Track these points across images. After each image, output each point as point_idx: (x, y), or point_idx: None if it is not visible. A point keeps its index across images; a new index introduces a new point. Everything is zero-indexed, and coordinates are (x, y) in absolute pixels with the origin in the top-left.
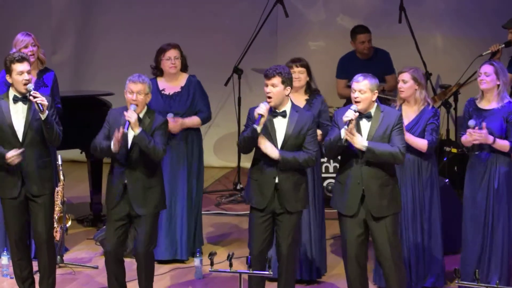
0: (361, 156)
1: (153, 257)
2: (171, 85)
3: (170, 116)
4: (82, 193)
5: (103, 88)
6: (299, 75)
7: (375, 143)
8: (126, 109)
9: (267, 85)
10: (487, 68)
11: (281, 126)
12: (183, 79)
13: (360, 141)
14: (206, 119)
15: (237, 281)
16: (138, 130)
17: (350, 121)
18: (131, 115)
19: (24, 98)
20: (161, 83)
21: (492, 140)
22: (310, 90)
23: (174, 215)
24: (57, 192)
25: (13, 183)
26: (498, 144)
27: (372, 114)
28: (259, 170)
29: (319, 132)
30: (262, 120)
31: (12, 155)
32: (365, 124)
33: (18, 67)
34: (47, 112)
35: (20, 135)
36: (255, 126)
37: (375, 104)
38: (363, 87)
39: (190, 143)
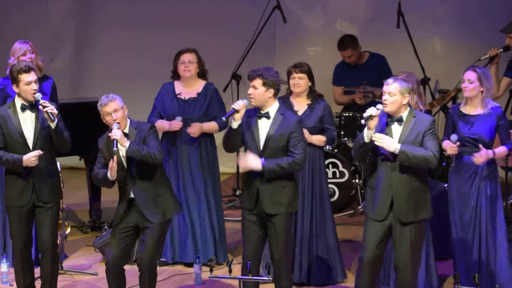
0: (393, 159)
1: (156, 267)
2: (187, 90)
3: (178, 119)
4: (81, 200)
5: (102, 93)
6: (298, 80)
7: (408, 145)
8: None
9: (249, 87)
10: (470, 75)
11: (264, 127)
12: (200, 85)
13: (391, 144)
14: (223, 126)
15: (236, 287)
16: (127, 143)
17: (370, 116)
18: (116, 133)
19: (31, 106)
20: (178, 87)
21: (492, 154)
22: (313, 95)
23: (192, 220)
24: None
25: (23, 191)
26: (498, 154)
27: (404, 118)
28: (248, 173)
29: (321, 138)
30: (237, 116)
31: (30, 156)
32: (396, 128)
33: (25, 77)
34: (56, 120)
35: (30, 144)
36: (231, 120)
37: (408, 108)
38: (393, 90)
39: (204, 149)
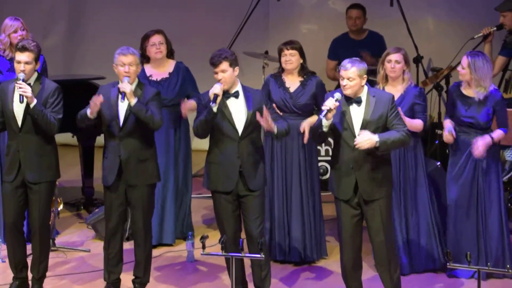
0: (371, 150)
1: (151, 234)
2: (158, 71)
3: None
4: (74, 177)
5: (94, 72)
6: (290, 57)
7: (383, 134)
8: (114, 85)
9: (216, 72)
10: (463, 61)
11: (238, 107)
12: (170, 65)
13: (372, 140)
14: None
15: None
16: (134, 100)
17: (328, 110)
18: (126, 86)
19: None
20: (148, 69)
21: (490, 140)
22: (304, 71)
23: (161, 200)
24: None
25: (11, 167)
26: (496, 138)
27: (364, 99)
28: (220, 153)
29: (316, 119)
30: (218, 99)
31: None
32: (355, 109)
33: (17, 56)
34: (34, 102)
35: (19, 121)
36: (212, 106)
37: (365, 88)
38: (351, 75)
39: (177, 128)
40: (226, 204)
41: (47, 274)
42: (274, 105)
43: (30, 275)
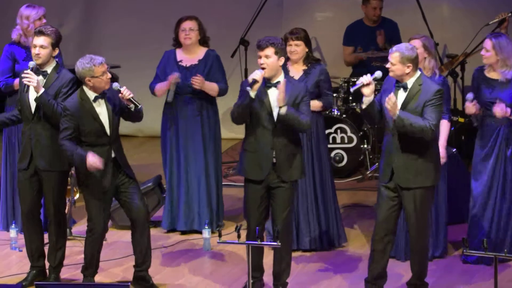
0: (393, 126)
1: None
2: (189, 57)
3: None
4: None
5: (110, 60)
6: (295, 48)
7: (407, 113)
8: (78, 99)
9: (260, 57)
10: (486, 44)
11: (275, 97)
12: (201, 52)
13: (394, 109)
14: (223, 90)
15: (244, 252)
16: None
17: (361, 85)
18: (129, 91)
19: (41, 71)
20: (179, 54)
21: (510, 111)
22: (308, 60)
23: (191, 187)
24: None
25: (23, 155)
26: None
27: (409, 86)
28: (255, 142)
29: (317, 103)
30: (256, 86)
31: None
32: (401, 94)
33: (34, 40)
34: (41, 91)
35: (32, 109)
36: (248, 90)
37: (415, 76)
38: (393, 59)
39: (204, 115)
40: (255, 192)
41: (64, 262)
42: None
43: (47, 264)
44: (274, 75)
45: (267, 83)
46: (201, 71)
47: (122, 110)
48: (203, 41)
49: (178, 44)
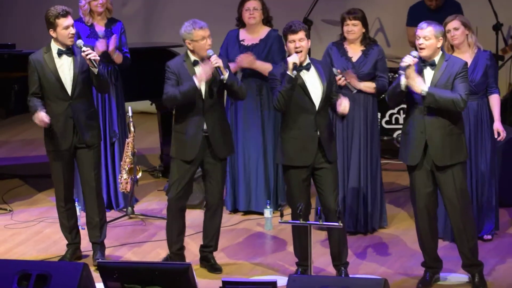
0: (422, 103)
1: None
2: (251, 36)
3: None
4: (152, 145)
5: (173, 40)
6: (352, 27)
7: (435, 88)
8: (182, 59)
9: (293, 41)
10: None
11: (311, 79)
12: (263, 32)
13: (420, 85)
14: None
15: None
16: (226, 73)
17: (408, 66)
18: (217, 60)
19: (68, 50)
20: (242, 34)
21: None
22: (366, 41)
23: (249, 166)
24: (128, 144)
25: (64, 134)
26: None
27: (436, 62)
28: (297, 128)
29: (370, 84)
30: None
31: (40, 118)
32: (428, 72)
33: (63, 21)
34: (100, 65)
35: (69, 89)
36: (288, 74)
37: (440, 52)
38: (428, 33)
39: (264, 94)
40: (301, 177)
41: (125, 241)
42: (339, 70)
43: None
44: (305, 58)
45: (298, 67)
46: (260, 50)
47: None
48: (266, 20)
49: (241, 23)
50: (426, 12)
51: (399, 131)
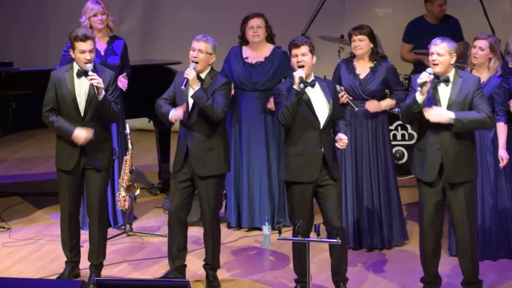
0: (452, 129)
1: (219, 222)
2: (255, 54)
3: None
4: (151, 162)
5: (170, 57)
6: (359, 43)
7: (461, 112)
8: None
9: (296, 55)
10: None
11: (317, 96)
12: (267, 49)
13: (445, 115)
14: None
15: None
16: (196, 87)
17: (424, 83)
18: (189, 73)
19: (86, 74)
20: (246, 51)
21: None
22: (374, 56)
23: (253, 183)
24: (125, 161)
25: (72, 154)
26: None
27: (451, 78)
28: (301, 144)
29: (390, 102)
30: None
31: (80, 135)
32: (443, 89)
33: (81, 45)
34: (103, 93)
35: (82, 110)
36: (294, 87)
37: (453, 68)
38: (441, 50)
39: (270, 114)
40: (305, 194)
41: (124, 258)
42: (342, 88)
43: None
44: (310, 73)
45: (304, 82)
46: (266, 69)
47: None
48: (269, 38)
49: (244, 41)
50: (425, 28)
51: (398, 147)
